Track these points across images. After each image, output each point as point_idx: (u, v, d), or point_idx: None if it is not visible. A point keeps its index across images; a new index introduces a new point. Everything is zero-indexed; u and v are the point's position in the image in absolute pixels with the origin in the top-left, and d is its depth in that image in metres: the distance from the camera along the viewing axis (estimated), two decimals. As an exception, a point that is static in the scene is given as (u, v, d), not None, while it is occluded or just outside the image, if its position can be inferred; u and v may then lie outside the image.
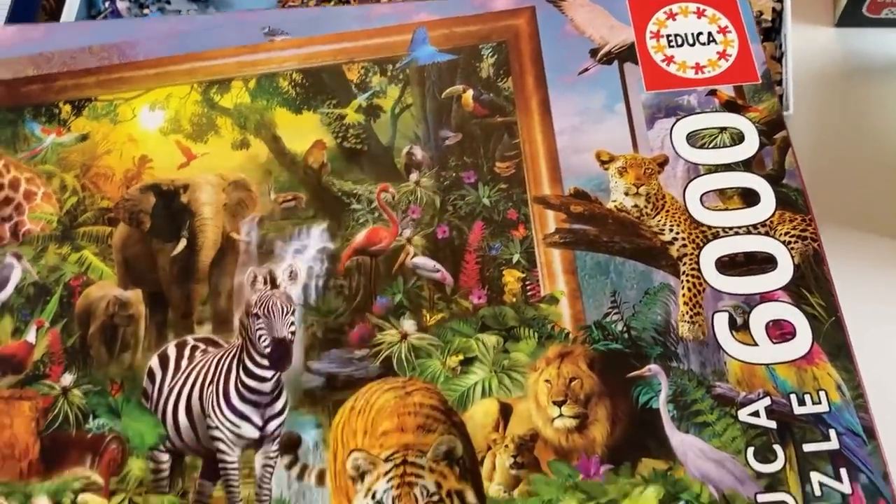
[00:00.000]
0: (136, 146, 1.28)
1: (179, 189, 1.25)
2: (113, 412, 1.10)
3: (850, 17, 1.34)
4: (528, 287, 1.18)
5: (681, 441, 1.06)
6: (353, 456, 0.99)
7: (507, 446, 1.10)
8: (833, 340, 1.11)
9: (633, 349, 1.12)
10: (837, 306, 1.14)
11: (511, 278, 1.18)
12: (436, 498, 0.97)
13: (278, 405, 1.11)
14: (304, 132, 1.29)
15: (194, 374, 1.13)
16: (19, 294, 1.19)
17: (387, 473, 0.98)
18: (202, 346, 1.15)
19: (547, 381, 1.11)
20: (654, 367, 1.10)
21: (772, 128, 1.25)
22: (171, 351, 1.15)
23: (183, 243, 1.22)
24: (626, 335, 1.13)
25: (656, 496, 1.03)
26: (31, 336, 1.15)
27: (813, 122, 1.48)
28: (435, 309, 1.17)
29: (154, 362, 1.15)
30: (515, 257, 1.20)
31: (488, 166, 1.25)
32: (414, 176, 1.26)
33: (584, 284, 1.18)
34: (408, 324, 1.16)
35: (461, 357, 1.13)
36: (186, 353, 1.14)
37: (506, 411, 1.12)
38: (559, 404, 1.10)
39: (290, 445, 1.09)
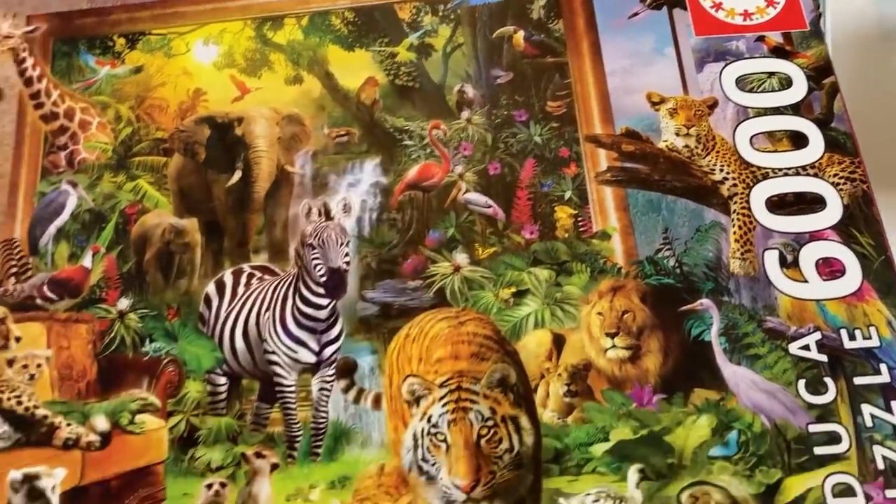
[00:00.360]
0: (191, 79, 1.29)
1: (234, 122, 1.26)
2: (169, 336, 1.11)
3: None
4: (581, 223, 1.19)
5: (733, 372, 1.07)
6: (409, 381, 1.00)
7: (560, 375, 1.11)
8: (883, 278, 1.12)
9: (685, 284, 1.13)
10: (887, 245, 1.15)
11: (563, 214, 1.19)
12: (490, 423, 0.97)
13: (334, 332, 1.12)
14: (356, 69, 1.30)
15: (251, 300, 1.14)
16: (75, 220, 1.19)
17: (442, 398, 0.98)
18: (258, 273, 1.16)
19: (600, 313, 1.12)
20: (706, 302, 1.11)
21: (820, 73, 1.26)
22: (228, 278, 1.16)
23: (238, 174, 1.23)
24: (678, 270, 1.14)
25: (709, 424, 1.04)
26: (87, 261, 1.16)
27: (849, 85, 1.49)
28: (487, 243, 1.17)
29: (211, 288, 1.16)
30: (567, 194, 1.21)
31: (539, 105, 1.26)
32: (465, 113, 1.27)
33: (636, 221, 1.19)
34: (460, 257, 1.17)
35: (514, 289, 1.14)
36: (243, 280, 1.15)
37: (559, 342, 1.13)
38: (612, 336, 1.11)
39: (347, 370, 1.10)
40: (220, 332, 1.13)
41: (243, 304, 1.14)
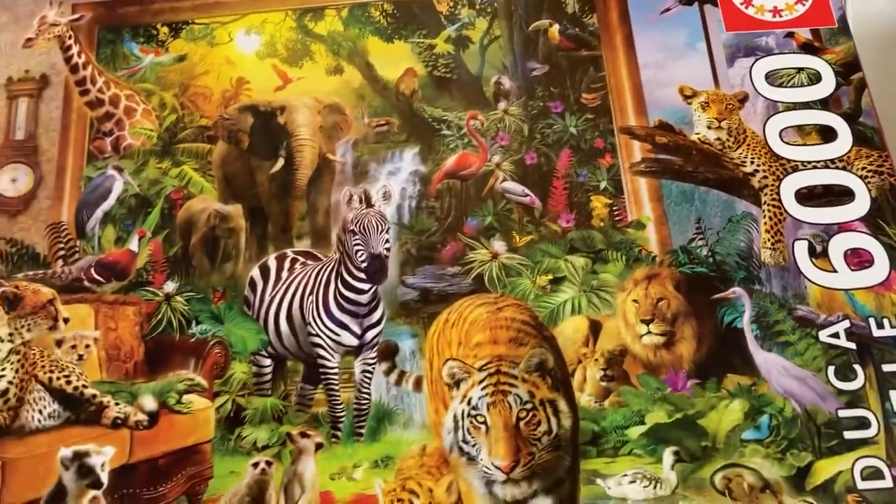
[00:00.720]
0: (234, 68, 1.31)
1: (276, 110, 1.28)
2: (215, 318, 1.13)
3: None
4: (616, 212, 1.21)
5: (764, 359, 1.10)
6: (449, 364, 1.01)
7: (597, 360, 1.13)
8: None
9: (717, 272, 1.16)
10: (913, 236, 1.18)
11: (598, 204, 1.22)
12: (529, 406, 0.98)
13: (376, 315, 1.15)
14: (395, 60, 1.33)
15: (294, 284, 1.16)
16: (121, 205, 1.22)
17: (481, 381, 1.00)
18: (301, 258, 1.19)
19: (635, 300, 1.15)
20: (738, 290, 1.14)
21: (848, 69, 1.29)
22: (272, 262, 1.19)
23: (281, 162, 1.25)
24: (710, 259, 1.17)
25: (741, 409, 1.07)
26: (133, 245, 1.18)
27: (871, 83, 1.51)
28: (524, 231, 1.20)
29: (255, 272, 1.18)
30: (602, 184, 1.23)
31: (574, 97, 1.29)
32: (502, 104, 1.29)
33: (670, 211, 1.21)
34: (498, 244, 1.19)
35: (551, 276, 1.17)
36: (286, 264, 1.18)
37: (595, 328, 1.15)
38: (647, 322, 1.13)
39: (388, 353, 1.13)
40: (264, 315, 1.15)
41: (287, 288, 1.16)
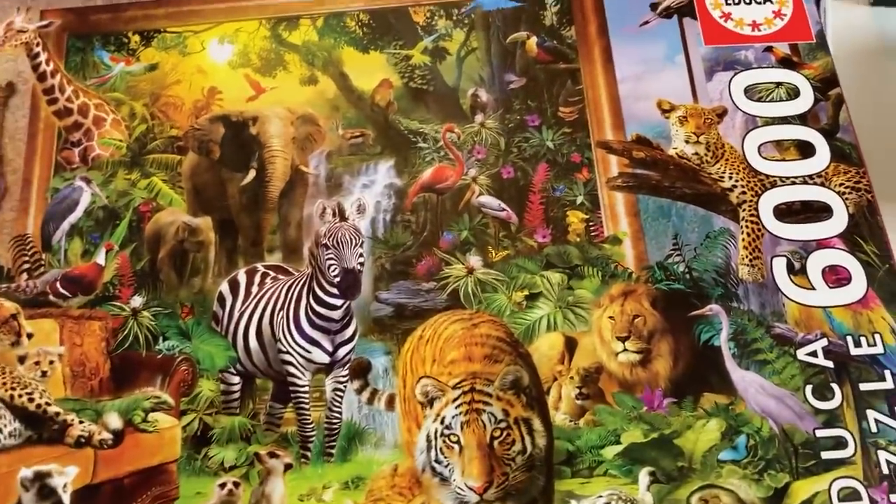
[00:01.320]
0: (206, 77, 1.29)
1: (248, 121, 1.26)
2: (183, 334, 1.11)
3: None
4: (592, 227, 1.20)
5: (741, 377, 1.09)
6: (423, 382, 0.99)
7: (572, 378, 1.11)
8: (887, 287, 1.13)
9: (694, 289, 1.14)
10: (891, 254, 1.17)
11: (575, 219, 1.21)
12: (503, 424, 0.97)
13: (348, 332, 1.12)
14: (370, 71, 1.31)
15: (265, 300, 1.14)
16: (89, 217, 1.19)
17: (455, 400, 0.98)
18: (272, 273, 1.16)
19: (611, 317, 1.13)
20: (715, 307, 1.12)
21: (826, 84, 1.28)
22: (242, 277, 1.16)
23: (252, 174, 1.23)
24: (687, 276, 1.15)
25: (718, 428, 1.05)
26: (100, 258, 1.15)
27: (849, 99, 1.51)
28: (500, 246, 1.18)
29: (224, 287, 1.16)
30: (579, 199, 1.22)
31: (552, 110, 1.28)
32: (479, 117, 1.28)
33: (647, 226, 1.20)
34: (474, 259, 1.17)
35: (526, 292, 1.15)
36: (257, 279, 1.15)
37: (570, 344, 1.14)
38: (623, 339, 1.12)
39: (360, 371, 1.10)
40: (233, 331, 1.13)
41: (257, 303, 1.14)
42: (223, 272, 1.17)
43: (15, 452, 1.00)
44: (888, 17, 1.49)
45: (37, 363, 1.05)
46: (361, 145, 1.25)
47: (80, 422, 1.02)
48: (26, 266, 1.16)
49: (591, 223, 1.20)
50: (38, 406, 1.02)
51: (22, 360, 1.05)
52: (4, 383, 1.02)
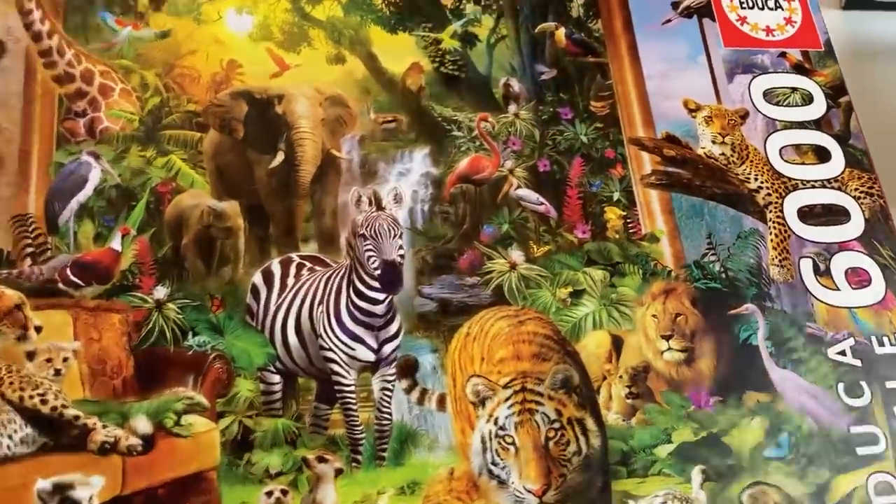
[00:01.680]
0: (224, 49, 1.18)
1: (274, 99, 1.16)
2: (215, 329, 0.99)
3: (857, 0, 1.43)
4: (630, 224, 1.18)
5: (780, 376, 1.10)
6: (473, 381, 0.96)
7: (621, 377, 1.09)
8: None
9: (730, 288, 1.15)
10: (904, 255, 1.22)
11: (613, 215, 1.18)
12: (557, 425, 0.95)
13: (392, 328, 1.05)
14: (400, 53, 1.24)
15: (302, 292, 1.05)
16: (100, 197, 1.05)
17: (507, 399, 0.96)
18: (308, 264, 1.07)
19: (654, 315, 1.12)
20: (751, 306, 1.13)
21: (836, 91, 1.33)
22: (276, 268, 1.06)
23: (281, 156, 1.12)
24: (723, 275, 1.15)
25: (762, 427, 1.06)
26: (115, 243, 1.02)
27: (856, 102, 1.53)
28: (541, 241, 1.14)
29: (258, 278, 1.05)
30: (615, 195, 1.19)
31: (584, 104, 1.25)
32: (512, 108, 1.23)
33: (682, 225, 1.19)
34: (516, 254, 1.13)
35: (570, 289, 1.12)
36: (292, 270, 1.05)
37: (617, 343, 1.11)
38: (667, 338, 1.10)
39: (408, 369, 1.04)
40: (270, 326, 1.03)
41: (294, 296, 1.04)
42: (256, 262, 1.06)
43: (29, 461, 0.86)
44: (861, 20, 1.53)
45: (48, 360, 0.91)
46: (395, 131, 1.17)
47: (104, 426, 0.89)
48: (30, 250, 1.00)
49: (628, 220, 1.18)
50: (54, 409, 0.88)
51: (31, 356, 0.91)
52: (12, 383, 0.88)
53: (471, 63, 1.27)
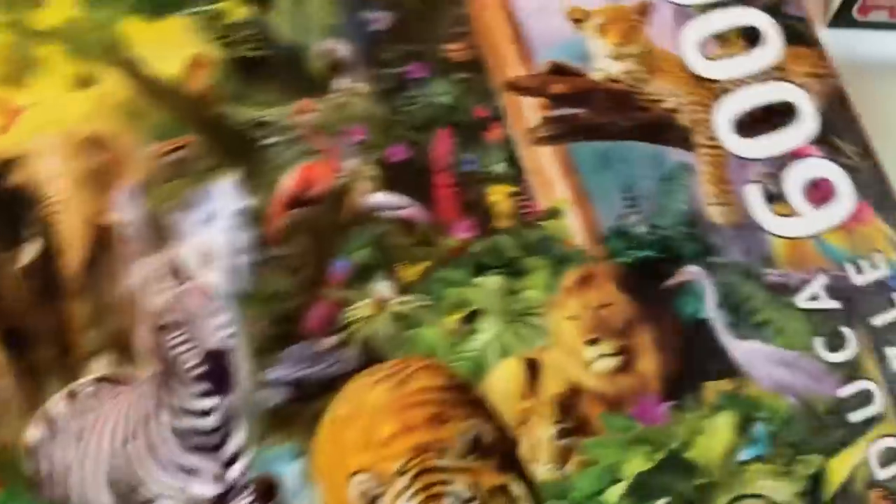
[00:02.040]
0: None
1: (3, 167, 0.85)
2: (-6, 518, 0.76)
3: (842, 19, 1.21)
4: (522, 203, 0.92)
5: (743, 350, 0.90)
6: (357, 479, 0.79)
7: (545, 413, 0.88)
8: (875, 188, 0.96)
9: (664, 252, 0.92)
10: (871, 148, 0.98)
11: (499, 196, 0.92)
12: (476, 503, 0.78)
13: (235, 442, 0.81)
14: (171, 46, 0.92)
15: (106, 433, 0.80)
16: None
17: (405, 490, 0.79)
18: (107, 387, 0.81)
19: (572, 317, 0.89)
20: (692, 270, 0.92)
21: (758, -54, 1.03)
22: (60, 408, 0.80)
23: (33, 247, 0.83)
24: (651, 237, 0.93)
25: (730, 424, 0.87)
26: None
27: None
28: (414, 259, 0.89)
29: (35, 434, 0.79)
30: (497, 168, 0.93)
31: (436, 52, 0.95)
32: (342, 81, 0.93)
33: (590, 184, 0.93)
34: (382, 287, 0.88)
35: (461, 313, 0.88)
36: (81, 405, 0.79)
37: (533, 368, 0.89)
38: (593, 343, 0.89)
39: (267, 493, 0.81)
40: (69, 490, 0.79)
41: (96, 440, 0.79)
42: (32, 409, 0.80)
43: None
44: (845, 39, 1.33)
45: None
46: (185, 161, 0.87)
47: None
48: None
49: (520, 197, 0.92)
50: None
51: None
52: None
53: (271, 34, 0.94)
